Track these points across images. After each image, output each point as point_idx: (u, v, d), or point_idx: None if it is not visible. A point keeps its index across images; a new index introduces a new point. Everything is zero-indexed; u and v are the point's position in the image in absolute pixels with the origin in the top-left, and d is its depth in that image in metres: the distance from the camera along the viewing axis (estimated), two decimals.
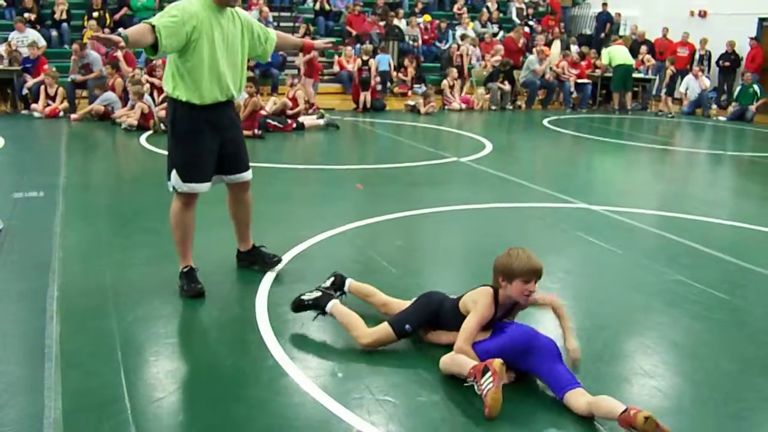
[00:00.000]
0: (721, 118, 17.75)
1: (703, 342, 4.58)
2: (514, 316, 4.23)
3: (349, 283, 4.77)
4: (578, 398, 3.57)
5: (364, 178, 8.95)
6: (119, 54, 14.11)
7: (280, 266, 5.39)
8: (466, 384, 3.67)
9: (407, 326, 4.14)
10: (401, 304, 4.44)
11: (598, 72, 18.77)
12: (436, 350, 4.08)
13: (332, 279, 4.77)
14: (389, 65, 17.76)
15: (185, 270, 4.98)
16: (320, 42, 5.67)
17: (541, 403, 3.70)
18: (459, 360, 3.81)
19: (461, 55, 18.87)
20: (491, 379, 3.51)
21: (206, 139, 4.79)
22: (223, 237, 5.78)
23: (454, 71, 17.38)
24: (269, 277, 5.24)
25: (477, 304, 4.01)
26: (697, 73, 18.22)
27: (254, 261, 5.40)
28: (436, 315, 4.22)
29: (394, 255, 5.97)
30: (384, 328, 4.14)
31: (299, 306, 4.44)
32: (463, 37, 19.85)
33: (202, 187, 4.89)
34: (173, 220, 4.95)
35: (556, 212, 7.66)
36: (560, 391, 3.64)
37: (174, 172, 4.83)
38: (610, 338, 4.54)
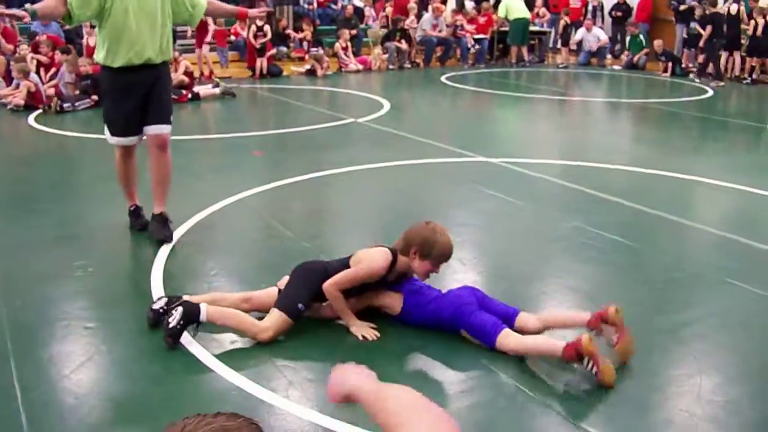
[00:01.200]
0: (616, 68, 18.08)
1: (600, 285, 4.63)
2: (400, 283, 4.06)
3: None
4: (509, 337, 3.62)
5: (263, 144, 8.77)
6: None
7: (166, 245, 5.16)
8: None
9: (300, 305, 3.82)
10: (268, 293, 4.02)
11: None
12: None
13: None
14: None
15: (131, 209, 5.56)
16: (255, 11, 5.97)
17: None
18: (542, 344, 3.60)
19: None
20: (591, 363, 3.35)
21: (126, 99, 5.13)
22: (113, 208, 5.58)
23: (347, 33, 17.17)
24: (165, 250, 5.05)
25: (369, 261, 3.88)
26: (589, 27, 18.47)
27: (151, 226, 5.34)
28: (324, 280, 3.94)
29: (291, 219, 5.86)
30: (277, 316, 3.76)
31: (175, 334, 3.66)
32: None
33: (127, 141, 5.28)
34: (116, 168, 5.47)
35: (456, 167, 7.65)
36: (491, 338, 3.65)
37: (105, 128, 5.32)
38: (509, 288, 4.53)
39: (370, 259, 3.88)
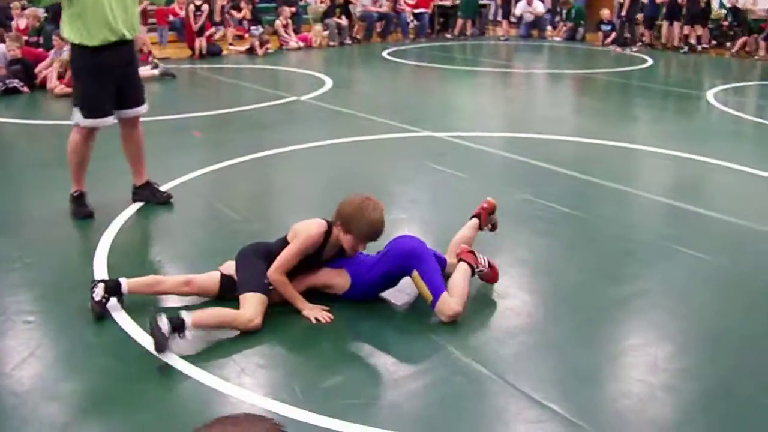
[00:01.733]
0: (557, 39, 18.17)
1: (551, 257, 4.62)
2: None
3: (127, 283, 3.83)
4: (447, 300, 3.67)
5: (204, 125, 8.58)
6: None
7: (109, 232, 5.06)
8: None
9: (265, 281, 3.72)
10: (210, 276, 3.90)
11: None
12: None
13: (101, 287, 3.78)
14: None
15: (75, 194, 5.32)
16: None
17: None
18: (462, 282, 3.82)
19: None
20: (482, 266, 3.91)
21: (103, 78, 5.05)
22: (48, 195, 5.40)
23: (287, 10, 16.94)
24: (108, 236, 4.90)
25: (304, 232, 3.78)
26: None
27: (147, 196, 5.56)
28: (272, 262, 3.82)
29: (236, 201, 5.74)
30: (254, 299, 3.62)
31: (163, 345, 3.40)
32: None
33: (104, 122, 5.19)
34: (70, 148, 5.25)
35: (401, 142, 7.58)
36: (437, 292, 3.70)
37: (77, 109, 5.13)
38: None
39: (304, 229, 3.79)
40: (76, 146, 5.26)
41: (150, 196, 5.56)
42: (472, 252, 4.03)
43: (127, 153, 5.58)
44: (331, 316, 3.74)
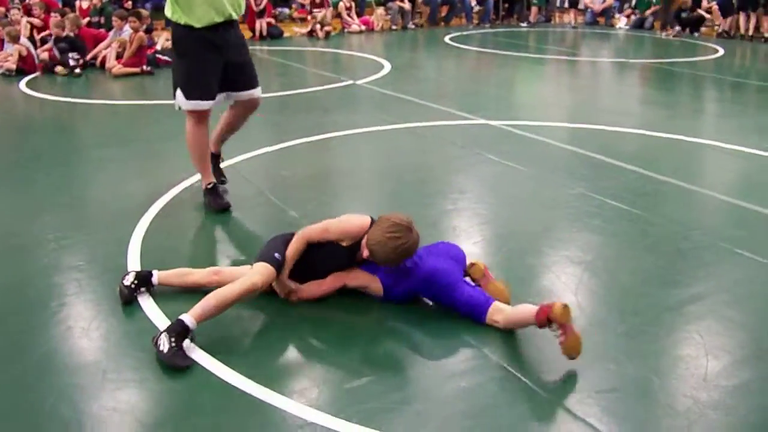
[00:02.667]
0: (623, 26, 17.69)
1: (602, 257, 4.38)
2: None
3: (158, 275, 3.82)
4: (498, 313, 3.45)
5: (260, 107, 8.49)
6: None
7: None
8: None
9: (276, 255, 3.59)
10: (240, 269, 3.78)
11: None
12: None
13: (132, 274, 3.79)
14: None
15: (209, 186, 5.17)
16: None
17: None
18: (524, 311, 3.39)
19: None
20: (560, 332, 3.18)
21: (207, 58, 4.85)
22: (102, 175, 5.36)
23: None
24: (145, 221, 4.83)
25: (346, 220, 3.65)
26: None
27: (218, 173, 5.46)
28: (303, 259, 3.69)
29: (281, 186, 5.63)
30: (259, 265, 3.51)
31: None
32: None
33: (205, 104, 4.95)
34: (188, 139, 5.08)
35: (457, 130, 7.38)
36: (482, 313, 3.47)
37: (178, 91, 4.92)
38: (507, 260, 4.31)
39: (347, 219, 3.65)
40: (192, 137, 5.07)
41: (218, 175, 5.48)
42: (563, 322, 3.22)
43: (227, 125, 5.45)
44: (294, 300, 3.67)
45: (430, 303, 3.69)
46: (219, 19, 4.80)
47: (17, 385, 3.05)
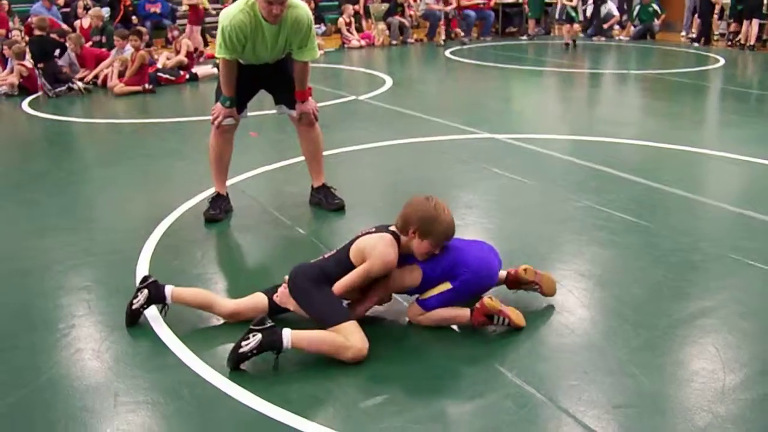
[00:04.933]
0: (624, 38, 17.72)
1: (611, 269, 4.36)
2: None
3: (172, 292, 3.71)
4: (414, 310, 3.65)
5: (262, 125, 8.47)
6: None
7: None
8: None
9: (342, 303, 3.54)
10: (255, 303, 3.69)
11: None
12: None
13: (144, 294, 3.68)
14: None
15: (214, 195, 5.36)
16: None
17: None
18: (444, 314, 3.59)
19: None
20: (501, 318, 3.53)
21: (239, 78, 5.03)
22: (106, 195, 5.34)
23: (350, 8, 16.85)
24: (153, 239, 4.82)
25: (381, 257, 3.47)
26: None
27: (319, 200, 5.51)
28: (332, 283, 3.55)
29: (286, 204, 5.61)
30: (350, 326, 3.38)
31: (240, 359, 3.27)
32: None
33: (227, 120, 5.20)
34: (209, 146, 5.37)
35: (460, 144, 7.37)
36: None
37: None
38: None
39: (379, 255, 3.46)
40: (212, 145, 5.33)
41: (322, 201, 5.48)
42: (498, 307, 3.52)
43: (303, 152, 5.57)
44: None
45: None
46: (256, 64, 5.05)
47: (28, 408, 3.03)
